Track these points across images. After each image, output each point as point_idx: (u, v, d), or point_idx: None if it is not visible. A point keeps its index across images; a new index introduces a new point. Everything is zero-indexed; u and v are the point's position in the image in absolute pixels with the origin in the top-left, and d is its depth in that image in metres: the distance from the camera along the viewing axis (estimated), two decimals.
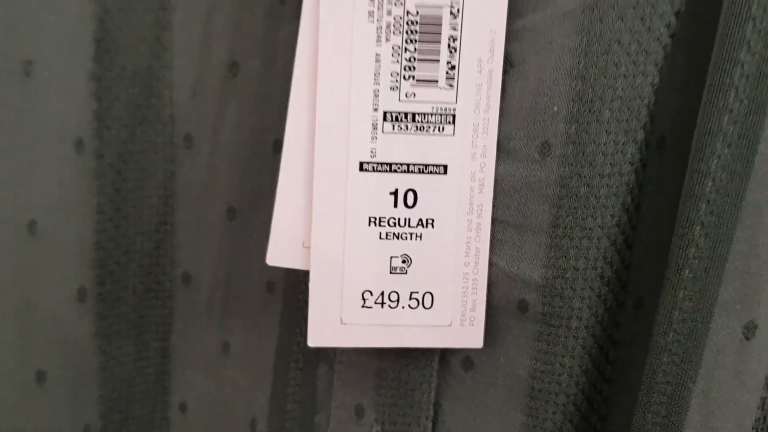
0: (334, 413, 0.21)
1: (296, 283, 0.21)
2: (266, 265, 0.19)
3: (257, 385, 0.22)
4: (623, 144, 0.17)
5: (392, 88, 0.18)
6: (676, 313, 0.17)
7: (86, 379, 0.21)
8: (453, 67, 0.18)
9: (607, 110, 0.17)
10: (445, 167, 0.18)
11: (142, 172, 0.21)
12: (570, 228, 0.18)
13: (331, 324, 0.18)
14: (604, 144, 0.17)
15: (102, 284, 0.21)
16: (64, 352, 0.21)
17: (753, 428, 0.17)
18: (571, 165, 0.17)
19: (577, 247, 0.18)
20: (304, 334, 0.20)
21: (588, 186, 0.17)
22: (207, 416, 0.22)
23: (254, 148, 0.21)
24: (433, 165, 0.18)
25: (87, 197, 0.20)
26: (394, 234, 0.18)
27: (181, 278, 0.22)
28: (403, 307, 0.18)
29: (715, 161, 0.16)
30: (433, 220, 0.18)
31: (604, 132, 0.17)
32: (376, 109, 0.18)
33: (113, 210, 0.21)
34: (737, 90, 0.16)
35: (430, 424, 0.20)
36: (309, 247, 0.18)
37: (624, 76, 0.17)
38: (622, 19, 0.17)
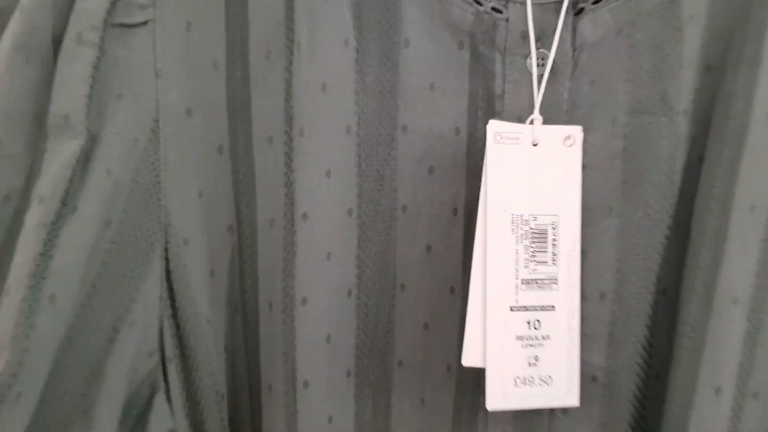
0: None
1: (462, 367, 0.37)
2: (444, 353, 0.36)
3: (442, 426, 0.38)
4: (640, 294, 0.34)
5: (525, 266, 0.34)
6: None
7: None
8: (555, 255, 0.34)
9: (632, 275, 0.34)
10: (554, 306, 0.34)
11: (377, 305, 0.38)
12: (617, 341, 0.34)
13: (499, 395, 0.34)
14: (629, 294, 0.34)
15: (357, 367, 0.38)
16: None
17: None
18: (615, 304, 0.34)
19: (621, 349, 0.34)
20: (473, 396, 0.36)
21: (626, 315, 0.34)
22: None
23: (440, 290, 0.37)
24: (549, 306, 0.34)
25: (351, 329, 0.37)
26: (529, 345, 0.34)
27: (398, 363, 0.38)
28: (536, 385, 0.34)
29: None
30: (549, 336, 0.34)
31: (632, 286, 0.34)
32: (517, 278, 0.34)
33: (365, 328, 0.37)
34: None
35: None
36: (485, 352, 0.34)
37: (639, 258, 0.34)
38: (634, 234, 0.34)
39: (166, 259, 0.35)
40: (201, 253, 0.37)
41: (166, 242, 0.35)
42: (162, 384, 0.36)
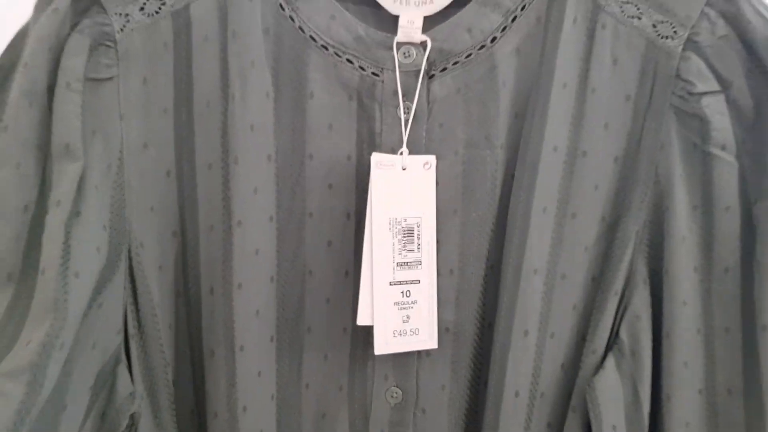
0: (377, 379, 0.51)
1: (355, 329, 0.51)
2: (341, 319, 0.50)
3: (341, 374, 0.52)
4: (476, 270, 0.50)
5: (399, 253, 0.49)
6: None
7: None
8: (419, 245, 0.49)
9: (470, 257, 0.49)
10: (419, 280, 0.49)
11: (291, 287, 0.51)
12: (461, 302, 0.50)
13: (383, 344, 0.48)
14: (469, 270, 0.50)
15: (278, 334, 0.50)
16: None
17: None
18: (459, 278, 0.49)
19: (464, 308, 0.50)
20: (363, 349, 0.50)
21: (467, 285, 0.50)
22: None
23: (338, 274, 0.51)
24: (416, 280, 0.49)
25: (273, 305, 0.50)
26: (403, 308, 0.48)
27: (307, 329, 0.51)
28: (408, 336, 0.49)
29: None
30: (416, 301, 0.49)
31: (470, 264, 0.50)
32: (394, 262, 0.49)
33: (283, 304, 0.50)
34: None
35: (415, 379, 0.51)
36: (373, 314, 0.48)
37: (474, 245, 0.49)
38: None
39: (129, 258, 0.47)
40: (153, 253, 0.48)
41: (129, 245, 0.46)
42: (123, 356, 0.46)
